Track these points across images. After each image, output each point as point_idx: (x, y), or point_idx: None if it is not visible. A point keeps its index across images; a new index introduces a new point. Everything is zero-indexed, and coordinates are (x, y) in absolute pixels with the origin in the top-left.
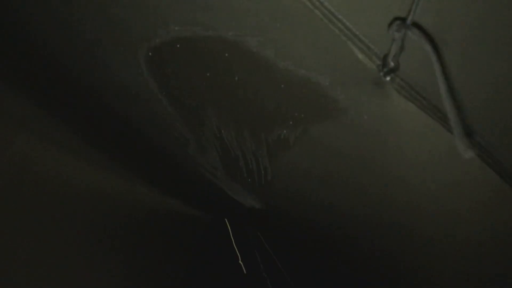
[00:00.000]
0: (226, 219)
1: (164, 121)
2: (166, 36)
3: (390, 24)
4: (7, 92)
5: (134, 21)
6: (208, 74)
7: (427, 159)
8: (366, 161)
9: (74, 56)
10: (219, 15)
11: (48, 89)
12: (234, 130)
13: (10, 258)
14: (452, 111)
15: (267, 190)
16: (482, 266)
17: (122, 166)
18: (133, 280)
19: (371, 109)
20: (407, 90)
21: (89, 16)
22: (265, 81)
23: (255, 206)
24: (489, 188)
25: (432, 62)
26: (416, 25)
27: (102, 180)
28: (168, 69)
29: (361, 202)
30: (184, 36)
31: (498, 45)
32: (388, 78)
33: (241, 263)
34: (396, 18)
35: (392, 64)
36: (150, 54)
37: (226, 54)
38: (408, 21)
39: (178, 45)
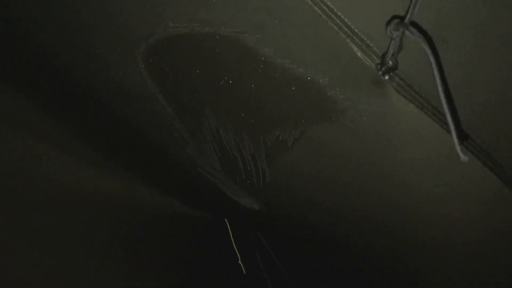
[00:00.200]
0: (226, 219)
1: (163, 121)
2: (164, 34)
3: (388, 23)
4: (2, 91)
5: (132, 18)
6: (205, 73)
7: (426, 161)
8: (365, 163)
9: (71, 54)
10: (218, 11)
11: (45, 88)
12: (232, 131)
13: (10, 258)
14: (449, 113)
15: (266, 193)
16: (481, 269)
17: (122, 166)
18: (132, 280)
19: (370, 110)
20: (406, 89)
21: (87, 14)
22: (263, 80)
23: (254, 208)
24: (489, 191)
25: (430, 62)
26: (414, 24)
27: (101, 180)
28: (165, 67)
29: (360, 204)
30: (182, 34)
31: (498, 46)
32: (386, 77)
33: (241, 264)
34: (394, 17)
35: (390, 63)
36: (148, 52)
37: (224, 52)
38: (406, 19)
39: (175, 43)
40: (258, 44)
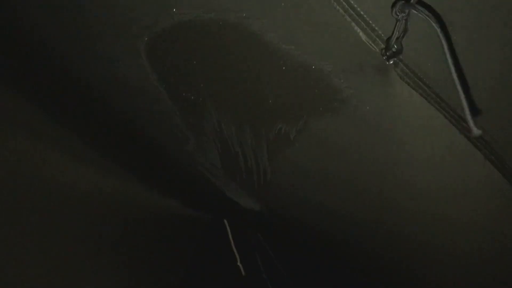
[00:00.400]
0: (225, 220)
1: (164, 117)
2: (167, 22)
3: (393, 4)
4: (1, 89)
5: (135, 8)
6: (208, 62)
7: (429, 156)
8: (367, 160)
9: (72, 50)
10: None
11: (43, 86)
12: (234, 124)
13: (10, 258)
14: (460, 86)
15: (266, 192)
16: (484, 271)
17: (121, 167)
18: (131, 280)
19: (374, 99)
20: (410, 77)
21: (89, 6)
22: (266, 68)
23: (254, 208)
24: (493, 188)
25: (435, 46)
26: (421, 3)
27: (100, 180)
28: (168, 59)
29: (360, 202)
30: (186, 20)
31: (507, 31)
32: (391, 62)
33: (240, 265)
34: None
35: (395, 47)
36: (150, 44)
37: (228, 39)
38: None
39: (178, 31)
40: (263, 29)
